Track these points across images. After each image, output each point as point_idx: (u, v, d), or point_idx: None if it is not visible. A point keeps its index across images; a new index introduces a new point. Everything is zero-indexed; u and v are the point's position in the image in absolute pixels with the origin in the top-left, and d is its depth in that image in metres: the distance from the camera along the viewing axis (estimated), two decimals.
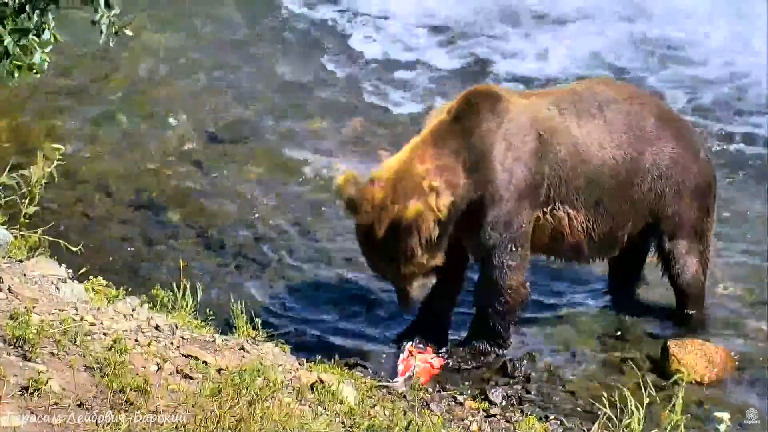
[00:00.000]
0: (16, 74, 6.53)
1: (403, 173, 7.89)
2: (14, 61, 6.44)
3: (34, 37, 6.40)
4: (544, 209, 8.09)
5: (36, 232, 7.73)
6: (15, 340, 5.78)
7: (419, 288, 8.20)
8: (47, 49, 6.49)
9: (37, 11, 6.41)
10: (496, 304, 8.12)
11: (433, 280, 8.26)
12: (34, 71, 6.53)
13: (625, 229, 8.35)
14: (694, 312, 8.65)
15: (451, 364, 8.18)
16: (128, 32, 6.63)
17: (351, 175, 7.96)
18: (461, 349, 8.23)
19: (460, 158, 7.91)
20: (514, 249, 7.99)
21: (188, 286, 7.43)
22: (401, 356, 8.13)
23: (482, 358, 8.20)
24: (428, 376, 8.00)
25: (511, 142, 7.93)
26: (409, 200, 7.79)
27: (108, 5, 6.46)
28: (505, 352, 8.25)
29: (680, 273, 8.51)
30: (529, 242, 8.07)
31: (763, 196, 10.38)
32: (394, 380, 7.87)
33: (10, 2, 6.30)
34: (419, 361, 8.05)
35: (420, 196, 7.83)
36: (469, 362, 8.20)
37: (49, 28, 6.47)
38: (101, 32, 6.51)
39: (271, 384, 5.91)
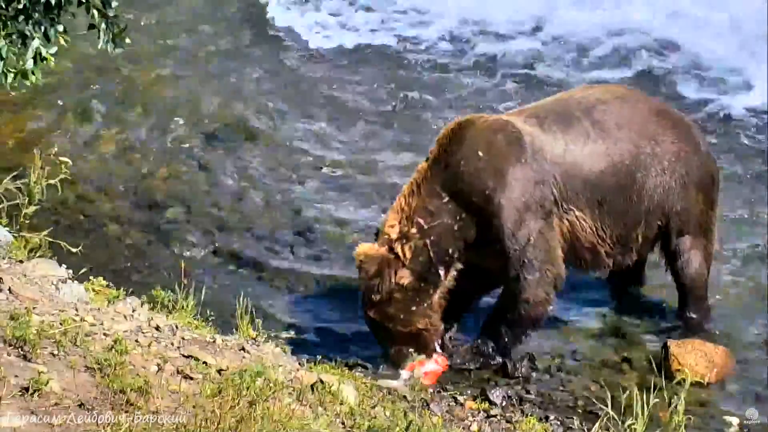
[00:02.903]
0: (10, 78, 6.56)
1: (381, 228, 7.97)
2: (8, 66, 6.47)
3: (42, 40, 6.42)
4: (558, 216, 8.04)
5: (36, 233, 7.74)
6: (15, 340, 5.78)
7: (400, 356, 8.00)
8: (53, 51, 6.51)
9: (45, 19, 6.44)
10: (509, 313, 8.05)
11: (420, 358, 8.01)
12: (27, 79, 6.56)
13: (639, 229, 8.26)
14: (695, 309, 8.62)
15: (451, 363, 8.16)
16: (126, 40, 6.66)
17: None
18: (462, 348, 8.22)
19: (440, 197, 7.84)
20: (527, 262, 7.88)
21: (188, 286, 7.43)
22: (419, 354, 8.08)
23: (482, 359, 8.18)
24: (435, 378, 7.98)
25: (492, 159, 7.84)
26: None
27: (105, 13, 6.48)
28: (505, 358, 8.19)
29: (684, 268, 8.46)
30: (551, 257, 7.94)
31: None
32: (399, 371, 7.86)
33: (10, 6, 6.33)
34: (438, 364, 8.03)
35: (386, 245, 7.85)
36: (468, 363, 8.18)
37: (57, 33, 6.50)
38: (98, 38, 6.53)
39: (272, 384, 5.91)
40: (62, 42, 6.57)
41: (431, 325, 8.01)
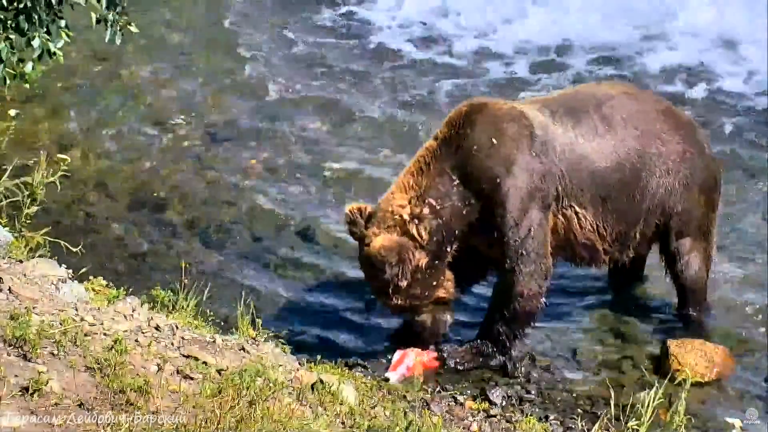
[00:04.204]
0: (8, 81, 6.57)
1: (386, 206, 7.96)
2: (7, 68, 6.48)
3: (45, 35, 6.44)
4: (555, 210, 8.05)
5: (36, 233, 7.74)
6: (15, 340, 5.78)
7: (434, 321, 8.20)
8: (59, 45, 6.52)
9: (48, 16, 6.46)
10: (504, 309, 8.07)
11: (449, 318, 8.24)
12: (27, 82, 6.58)
13: (638, 227, 8.26)
14: (694, 311, 8.63)
15: (450, 363, 8.16)
16: (133, 29, 6.67)
17: (356, 206, 8.06)
18: (461, 348, 8.22)
19: (451, 179, 7.89)
20: (524, 254, 7.91)
21: (188, 286, 7.43)
22: (397, 351, 8.14)
23: (481, 359, 8.18)
24: (422, 369, 7.98)
25: (504, 148, 7.87)
26: (387, 233, 7.90)
27: (113, 3, 6.50)
28: (505, 357, 8.19)
29: (683, 270, 8.46)
30: (545, 250, 7.98)
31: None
32: (386, 374, 7.89)
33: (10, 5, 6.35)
34: (414, 355, 8.06)
35: (399, 227, 7.88)
36: (468, 363, 8.18)
37: (60, 28, 6.52)
38: (106, 29, 6.54)
39: (272, 384, 5.91)
40: (65, 37, 6.58)
41: (448, 292, 8.15)
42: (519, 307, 8.02)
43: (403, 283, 7.90)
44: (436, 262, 7.98)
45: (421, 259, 7.92)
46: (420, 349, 8.14)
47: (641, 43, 13.50)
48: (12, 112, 7.82)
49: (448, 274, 8.12)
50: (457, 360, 8.17)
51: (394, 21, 14.05)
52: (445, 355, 8.18)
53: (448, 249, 8.00)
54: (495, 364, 8.15)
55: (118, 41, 6.65)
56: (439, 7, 14.28)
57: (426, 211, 7.90)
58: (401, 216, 7.90)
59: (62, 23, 6.60)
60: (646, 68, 12.99)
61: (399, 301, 8.02)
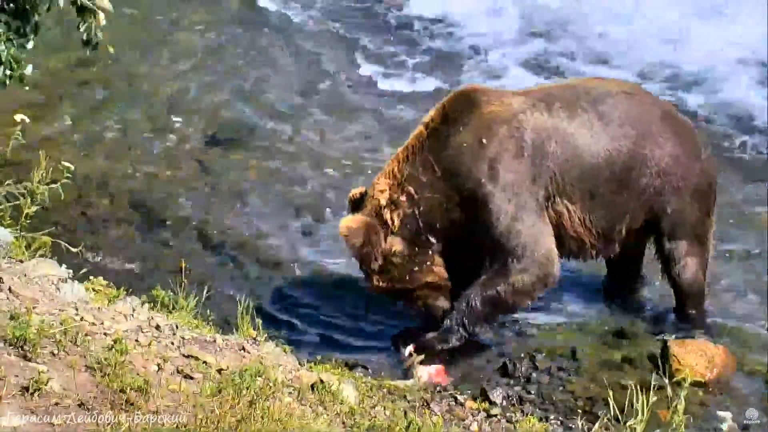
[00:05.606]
0: (8, 82, 6.58)
1: (370, 191, 8.09)
2: (7, 70, 6.49)
3: (11, 43, 6.44)
4: (546, 206, 8.06)
5: (36, 233, 7.74)
6: (15, 340, 5.77)
7: (426, 307, 8.27)
8: (29, 45, 6.53)
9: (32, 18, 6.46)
10: (489, 288, 8.00)
11: (443, 304, 8.25)
12: (24, 82, 6.59)
13: (624, 223, 8.26)
14: (693, 312, 8.63)
15: (419, 346, 8.11)
16: (110, 49, 6.68)
17: (358, 191, 8.23)
18: (431, 333, 8.19)
19: (434, 170, 7.95)
20: (516, 250, 7.92)
21: (188, 286, 7.44)
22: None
23: (449, 337, 8.12)
24: (444, 375, 8.00)
25: (493, 150, 7.91)
26: (363, 216, 8.00)
27: (94, 15, 6.49)
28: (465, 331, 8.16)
29: (680, 274, 8.47)
30: (542, 246, 7.98)
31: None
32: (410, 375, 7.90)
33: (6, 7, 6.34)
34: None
35: (375, 211, 7.98)
36: (438, 344, 8.15)
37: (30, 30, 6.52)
38: (82, 41, 6.55)
39: (272, 384, 5.92)
40: (29, 45, 6.59)
41: (439, 277, 8.19)
42: (505, 294, 8.01)
43: (376, 266, 7.98)
44: (416, 249, 8.04)
45: (395, 245, 8.00)
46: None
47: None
48: (18, 117, 7.80)
49: (437, 260, 8.15)
50: (426, 344, 8.10)
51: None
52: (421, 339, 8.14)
53: (431, 239, 8.04)
54: (495, 362, 8.13)
55: (88, 53, 6.68)
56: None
57: (403, 198, 7.98)
58: (378, 200, 8.00)
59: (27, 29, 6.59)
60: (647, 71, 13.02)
61: (380, 283, 8.13)
